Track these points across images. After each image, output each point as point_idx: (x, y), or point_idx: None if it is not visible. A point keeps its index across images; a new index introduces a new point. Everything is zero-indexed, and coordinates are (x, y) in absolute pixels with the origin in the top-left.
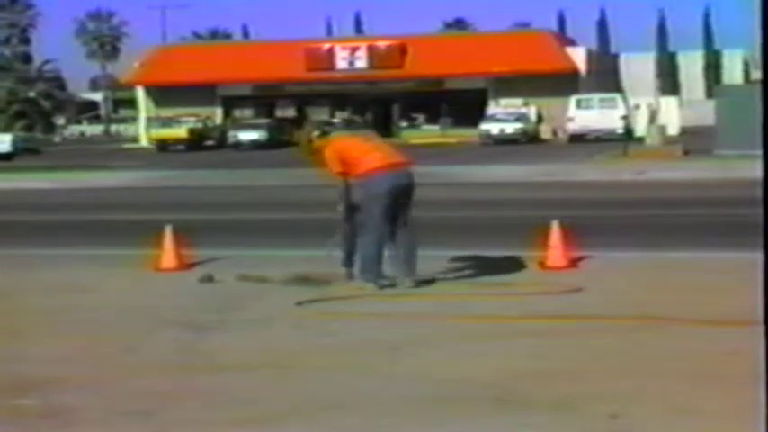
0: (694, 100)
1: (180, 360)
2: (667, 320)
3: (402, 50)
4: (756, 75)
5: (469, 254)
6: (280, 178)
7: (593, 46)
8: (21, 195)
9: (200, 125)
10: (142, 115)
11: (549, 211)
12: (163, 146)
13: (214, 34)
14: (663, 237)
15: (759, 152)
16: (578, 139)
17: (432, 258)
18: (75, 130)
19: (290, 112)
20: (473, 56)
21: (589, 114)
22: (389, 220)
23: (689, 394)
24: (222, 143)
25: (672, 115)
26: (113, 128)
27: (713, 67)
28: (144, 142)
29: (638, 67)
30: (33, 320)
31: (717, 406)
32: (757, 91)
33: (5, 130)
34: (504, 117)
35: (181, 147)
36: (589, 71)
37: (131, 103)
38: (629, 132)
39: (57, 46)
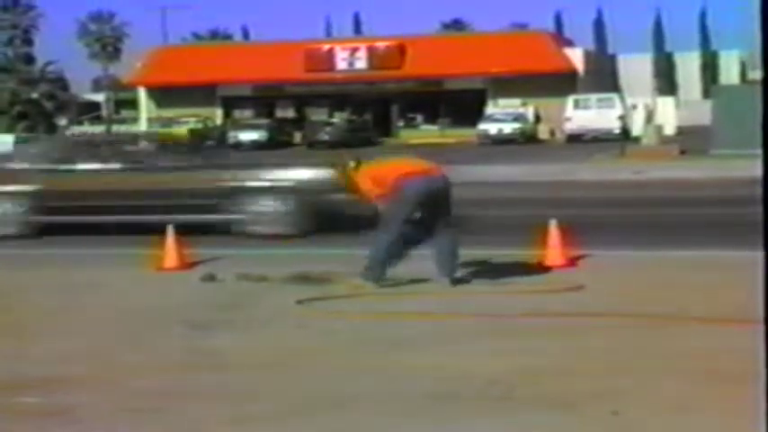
0: (691, 100)
1: (182, 359)
2: (666, 319)
3: (401, 51)
4: (753, 75)
5: (468, 253)
6: None
7: (591, 46)
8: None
9: (200, 126)
10: (144, 116)
11: (547, 210)
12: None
13: (214, 35)
14: (660, 236)
15: (756, 151)
16: (576, 139)
17: (430, 257)
18: (76, 130)
19: (290, 113)
20: (471, 56)
21: (586, 114)
22: (422, 225)
23: (689, 392)
24: (222, 143)
25: (668, 115)
26: (115, 128)
27: (710, 68)
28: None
29: (635, 67)
30: (36, 319)
31: (716, 404)
32: (754, 91)
33: (8, 130)
34: (502, 117)
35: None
36: (587, 71)
37: (133, 103)
38: (626, 132)
39: (59, 47)
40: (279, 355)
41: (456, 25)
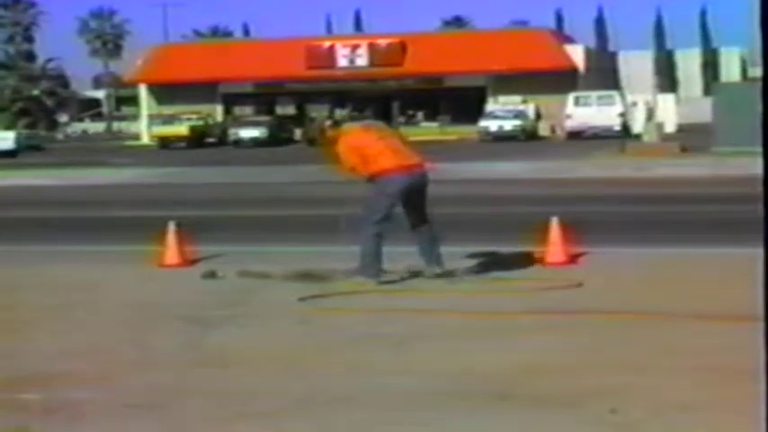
0: (692, 97)
1: (183, 355)
2: (667, 316)
3: (402, 48)
4: (754, 72)
5: (469, 250)
6: (280, 175)
7: (592, 44)
8: (24, 192)
9: (201, 123)
10: (144, 113)
11: (548, 207)
12: (164, 143)
13: (215, 32)
14: (661, 233)
15: (756, 149)
16: (576, 136)
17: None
18: (77, 127)
19: (291, 110)
20: (472, 53)
21: (587, 111)
22: (404, 218)
23: (689, 389)
24: (223, 140)
25: (669, 112)
26: (116, 125)
27: (711, 65)
28: (146, 140)
29: (636, 64)
30: (37, 316)
31: (717, 402)
32: (754, 88)
33: (9, 127)
34: (502, 114)
35: (182, 144)
36: (587, 69)
37: (134, 100)
38: (626, 129)
39: (60, 44)
40: (280, 352)
41: (457, 22)
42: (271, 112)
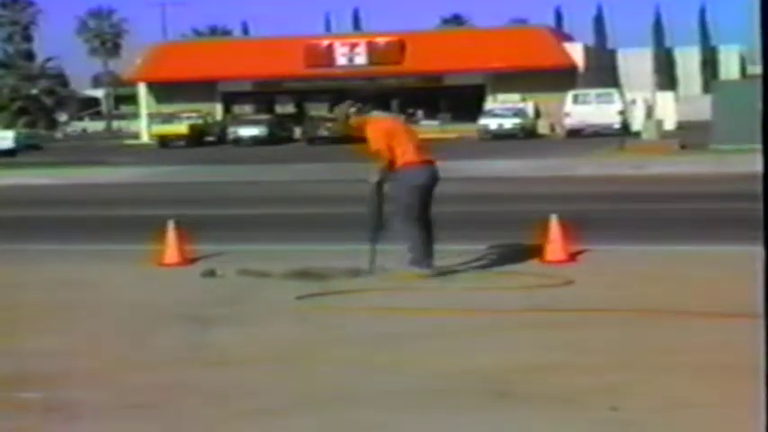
0: (691, 95)
1: (182, 354)
2: (667, 313)
3: (401, 46)
4: (753, 70)
5: (468, 248)
6: (280, 174)
7: (591, 42)
8: (23, 191)
9: (200, 121)
10: (143, 111)
11: (547, 205)
12: (164, 142)
13: (214, 31)
14: (661, 230)
15: (755, 146)
16: (575, 134)
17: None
18: (76, 126)
19: (290, 108)
20: (471, 52)
21: (586, 109)
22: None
23: (688, 387)
24: (222, 139)
25: (668, 110)
26: (115, 124)
27: (710, 63)
28: (145, 138)
29: (635, 62)
30: (37, 315)
31: (716, 399)
32: (753, 86)
33: (8, 126)
34: (502, 112)
35: (181, 143)
36: (587, 67)
37: (133, 99)
38: (625, 127)
39: (59, 43)
40: (279, 351)
41: (456, 21)
42: (270, 110)
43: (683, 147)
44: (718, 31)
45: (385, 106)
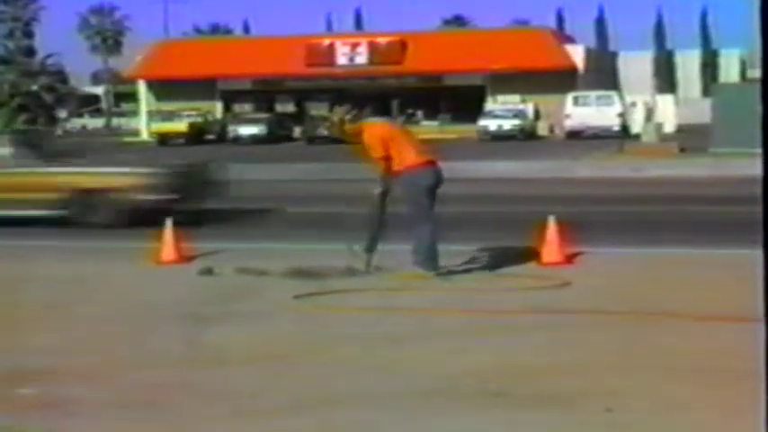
0: (691, 98)
1: (180, 352)
2: (664, 316)
3: (402, 47)
4: (753, 73)
5: (466, 249)
6: (279, 172)
7: (592, 44)
8: None
9: (200, 119)
10: (143, 109)
11: (545, 206)
12: (163, 140)
13: (215, 29)
14: (659, 233)
15: (755, 150)
16: (575, 135)
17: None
18: (76, 123)
19: (290, 108)
20: (472, 52)
21: (586, 111)
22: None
23: (686, 390)
24: (222, 137)
25: (668, 113)
26: (115, 121)
27: (710, 66)
28: (145, 136)
29: (635, 65)
30: (34, 312)
31: (714, 402)
32: (753, 89)
33: (8, 123)
34: (501, 113)
35: (181, 141)
36: (587, 69)
37: (133, 96)
38: (625, 130)
39: (59, 40)
40: (277, 350)
41: (457, 21)
42: (270, 109)
43: (682, 150)
44: (718, 34)
45: (385, 106)
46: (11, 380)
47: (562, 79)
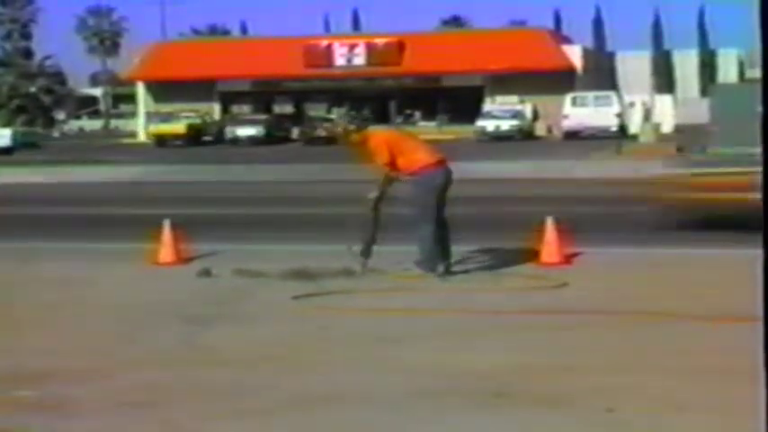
0: (689, 98)
1: (178, 353)
2: (664, 316)
3: (400, 47)
4: (751, 73)
5: (465, 249)
6: (277, 173)
7: (590, 44)
8: (20, 189)
9: (198, 121)
10: (141, 110)
11: (543, 207)
12: (161, 141)
13: (213, 30)
14: (657, 233)
15: (754, 150)
16: (573, 136)
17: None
18: (74, 125)
19: (288, 109)
20: (470, 53)
21: (584, 112)
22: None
23: (686, 390)
24: (220, 139)
25: (666, 113)
26: (113, 123)
27: (708, 66)
28: (142, 137)
29: (633, 65)
30: (32, 313)
31: (714, 402)
32: (752, 89)
33: (6, 124)
34: (499, 114)
35: (179, 142)
36: (585, 69)
37: (131, 98)
38: (623, 130)
39: (57, 41)
40: (275, 351)
41: (455, 22)
42: (268, 110)
43: (679, 150)
44: (716, 34)
45: (383, 107)
46: (9, 381)
47: (560, 80)
